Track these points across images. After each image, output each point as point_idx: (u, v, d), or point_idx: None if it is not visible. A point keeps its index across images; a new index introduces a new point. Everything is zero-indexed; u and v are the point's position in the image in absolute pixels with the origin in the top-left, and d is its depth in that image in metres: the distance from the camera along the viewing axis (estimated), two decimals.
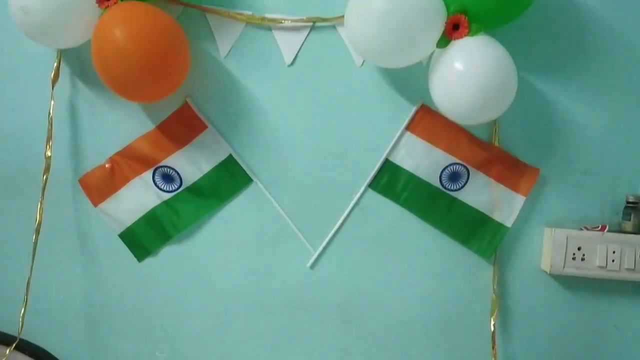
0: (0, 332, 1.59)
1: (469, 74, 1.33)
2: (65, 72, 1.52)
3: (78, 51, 1.47)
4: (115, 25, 1.33)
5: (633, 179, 1.53)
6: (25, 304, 1.51)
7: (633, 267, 1.48)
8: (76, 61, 1.52)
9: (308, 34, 1.51)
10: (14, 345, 1.53)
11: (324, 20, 1.49)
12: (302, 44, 1.52)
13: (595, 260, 1.48)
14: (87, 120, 1.56)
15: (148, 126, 1.55)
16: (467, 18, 1.35)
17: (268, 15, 1.50)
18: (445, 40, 1.37)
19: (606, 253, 1.48)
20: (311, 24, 1.50)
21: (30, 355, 1.55)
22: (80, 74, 1.54)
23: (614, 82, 1.51)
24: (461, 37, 1.36)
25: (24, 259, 1.55)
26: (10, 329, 1.58)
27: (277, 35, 1.51)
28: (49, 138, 1.51)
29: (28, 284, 1.52)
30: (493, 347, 1.53)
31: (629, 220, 1.49)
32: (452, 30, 1.37)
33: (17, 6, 1.34)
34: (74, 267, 1.61)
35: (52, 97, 1.50)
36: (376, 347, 1.59)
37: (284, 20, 1.49)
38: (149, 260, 1.60)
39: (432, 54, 1.41)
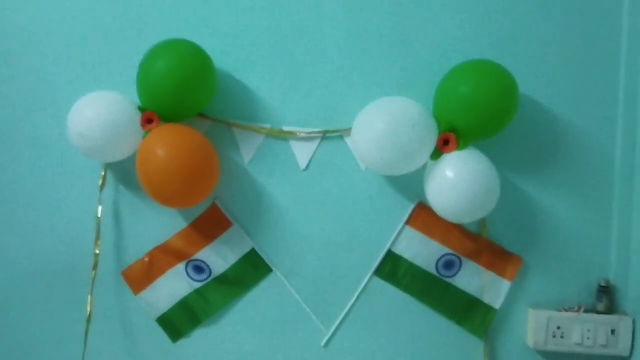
0: None
1: (458, 183, 1.50)
2: (110, 180, 1.70)
3: (121, 162, 1.63)
4: (158, 146, 1.52)
5: (604, 266, 1.67)
6: None
7: (606, 343, 1.62)
8: (120, 171, 1.69)
9: (320, 143, 1.68)
10: None
11: (333, 132, 1.67)
12: (314, 152, 1.69)
13: (573, 337, 1.63)
14: (129, 220, 1.72)
15: (182, 225, 1.71)
16: (456, 135, 1.53)
17: (285, 128, 1.68)
18: (437, 154, 1.55)
19: (582, 331, 1.63)
20: (322, 135, 1.67)
21: None
22: (123, 181, 1.70)
23: (584, 179, 1.67)
24: (451, 151, 1.54)
25: (75, 345, 1.70)
26: None
27: (293, 144, 1.69)
28: (97, 238, 1.68)
29: None
30: None
31: (602, 302, 1.64)
32: (443, 146, 1.55)
33: (76, 132, 1.55)
34: (118, 348, 1.75)
35: (99, 202, 1.67)
36: None
37: (299, 132, 1.67)
38: (182, 341, 1.74)
39: (426, 163, 1.58)
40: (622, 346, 1.64)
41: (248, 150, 1.70)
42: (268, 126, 1.69)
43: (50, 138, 1.72)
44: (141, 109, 1.58)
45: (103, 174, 1.68)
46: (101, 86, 1.65)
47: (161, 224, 1.72)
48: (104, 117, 1.54)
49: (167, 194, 1.56)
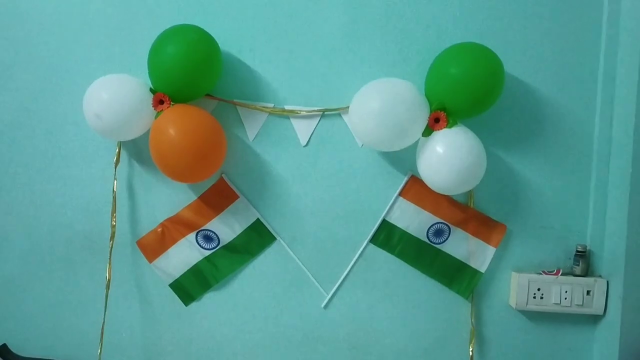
0: None
1: (447, 158, 1.59)
2: (123, 156, 1.78)
3: (134, 140, 1.72)
4: (170, 125, 1.60)
5: (581, 232, 1.78)
6: (101, 344, 1.78)
7: (582, 303, 1.74)
8: (132, 148, 1.78)
9: (319, 121, 1.76)
10: None
11: (331, 110, 1.75)
12: (314, 129, 1.77)
13: (551, 298, 1.75)
14: (142, 194, 1.81)
15: (191, 198, 1.80)
16: (445, 113, 1.61)
17: (287, 107, 1.76)
18: (428, 131, 1.64)
19: (560, 292, 1.74)
20: (321, 113, 1.75)
21: None
22: (136, 158, 1.79)
23: (564, 153, 1.76)
24: (441, 128, 1.62)
25: (96, 307, 1.81)
26: None
27: (294, 122, 1.77)
28: (113, 210, 1.77)
29: (102, 328, 1.77)
30: None
31: (578, 265, 1.75)
32: (434, 123, 1.63)
33: (91, 113, 1.62)
34: (134, 311, 1.85)
35: (115, 177, 1.76)
36: None
37: (300, 110, 1.76)
38: (194, 304, 1.85)
39: (418, 139, 1.67)
40: (597, 306, 1.75)
41: (252, 128, 1.78)
42: (271, 105, 1.77)
43: (67, 118, 1.80)
44: (153, 91, 1.65)
45: (117, 151, 1.76)
46: (114, 69, 1.72)
47: (172, 197, 1.81)
48: (118, 98, 1.62)
49: (178, 170, 1.65)
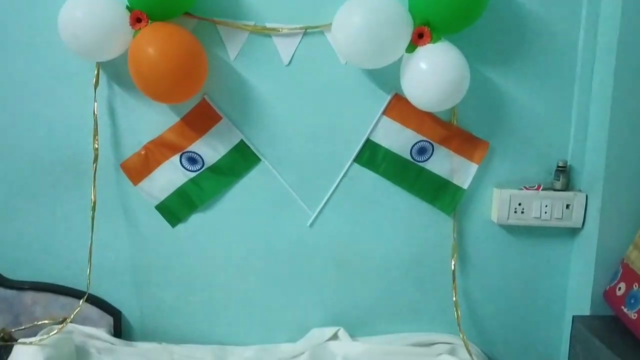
0: (71, 288, 1.88)
1: (431, 74, 1.60)
2: (103, 78, 1.75)
3: (113, 61, 1.67)
4: (149, 44, 1.57)
5: (562, 148, 1.81)
6: (90, 265, 1.78)
7: (561, 216, 1.79)
8: (111, 69, 1.74)
9: (301, 39, 1.74)
10: (85, 298, 1.79)
11: (314, 27, 1.72)
12: (296, 47, 1.74)
13: (532, 212, 1.79)
14: (123, 116, 1.78)
15: (174, 119, 1.78)
16: (429, 29, 1.61)
17: (268, 25, 1.73)
18: (412, 47, 1.63)
19: (540, 207, 1.79)
20: (303, 31, 1.73)
21: (91, 303, 1.86)
22: (116, 79, 1.76)
23: (547, 70, 1.76)
24: (425, 44, 1.62)
25: (82, 230, 1.81)
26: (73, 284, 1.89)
27: (276, 40, 1.74)
28: (95, 133, 1.75)
29: (90, 250, 1.78)
30: (454, 282, 1.85)
31: (559, 180, 1.79)
32: (418, 39, 1.62)
33: (68, 33, 1.58)
34: (122, 233, 1.86)
35: (95, 99, 1.73)
36: (362, 285, 1.91)
37: (282, 28, 1.73)
38: (180, 226, 1.87)
39: (402, 56, 1.66)
40: (575, 219, 1.81)
41: (233, 47, 1.75)
42: (252, 23, 1.73)
43: (42, 40, 1.74)
44: (129, 8, 1.61)
45: (96, 72, 1.72)
46: None
47: (154, 119, 1.78)
48: (93, 16, 1.57)
49: (159, 90, 1.63)
